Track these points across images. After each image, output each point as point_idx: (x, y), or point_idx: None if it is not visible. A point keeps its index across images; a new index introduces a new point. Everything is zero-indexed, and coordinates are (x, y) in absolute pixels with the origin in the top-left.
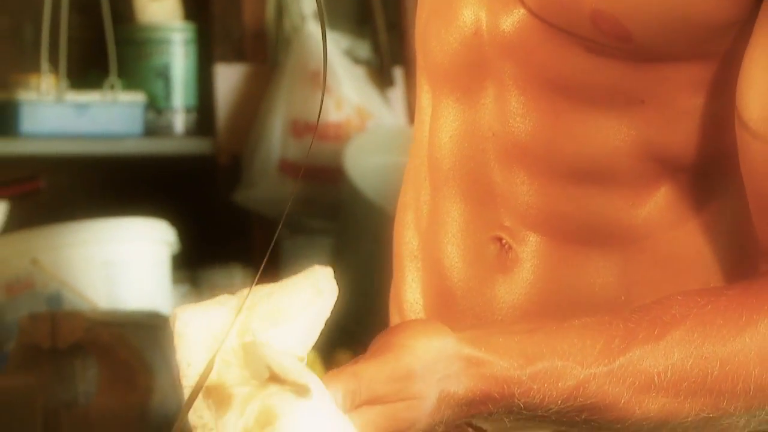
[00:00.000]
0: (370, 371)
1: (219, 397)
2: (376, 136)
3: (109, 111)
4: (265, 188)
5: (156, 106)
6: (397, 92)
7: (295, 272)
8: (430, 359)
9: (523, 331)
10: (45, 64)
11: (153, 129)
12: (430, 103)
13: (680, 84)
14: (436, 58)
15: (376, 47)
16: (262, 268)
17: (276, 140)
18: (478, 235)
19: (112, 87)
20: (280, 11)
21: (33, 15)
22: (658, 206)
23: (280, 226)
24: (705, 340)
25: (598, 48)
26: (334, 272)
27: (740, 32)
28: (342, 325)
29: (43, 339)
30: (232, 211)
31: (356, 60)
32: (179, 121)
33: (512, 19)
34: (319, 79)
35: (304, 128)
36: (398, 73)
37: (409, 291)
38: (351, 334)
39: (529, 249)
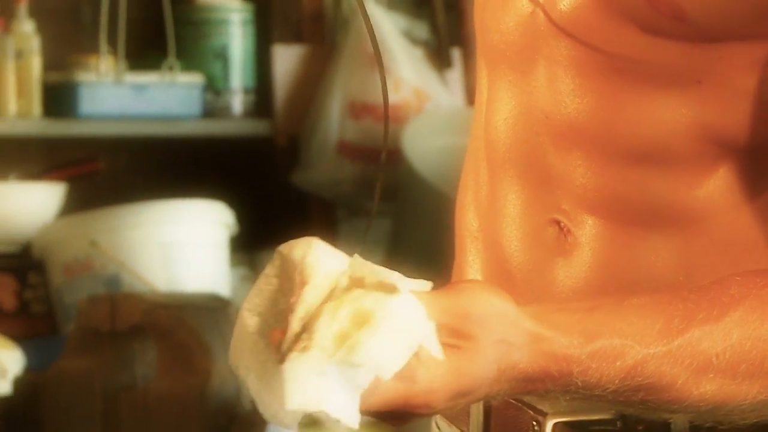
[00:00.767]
0: (430, 298)
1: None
2: (434, 117)
3: (168, 92)
4: (323, 170)
5: (214, 87)
6: (455, 73)
7: (352, 254)
8: (488, 312)
9: (582, 309)
10: (104, 45)
11: (211, 110)
12: (486, 85)
13: (738, 64)
14: (492, 39)
15: (434, 28)
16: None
17: (334, 122)
18: (536, 218)
19: (170, 68)
20: None
21: None
22: (717, 188)
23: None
24: (764, 322)
25: (655, 28)
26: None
27: None
28: None
29: (101, 321)
30: (290, 193)
31: (414, 41)
32: (237, 102)
33: (569, 0)
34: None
35: (362, 110)
36: (456, 54)
37: (471, 271)
38: None
39: (588, 232)
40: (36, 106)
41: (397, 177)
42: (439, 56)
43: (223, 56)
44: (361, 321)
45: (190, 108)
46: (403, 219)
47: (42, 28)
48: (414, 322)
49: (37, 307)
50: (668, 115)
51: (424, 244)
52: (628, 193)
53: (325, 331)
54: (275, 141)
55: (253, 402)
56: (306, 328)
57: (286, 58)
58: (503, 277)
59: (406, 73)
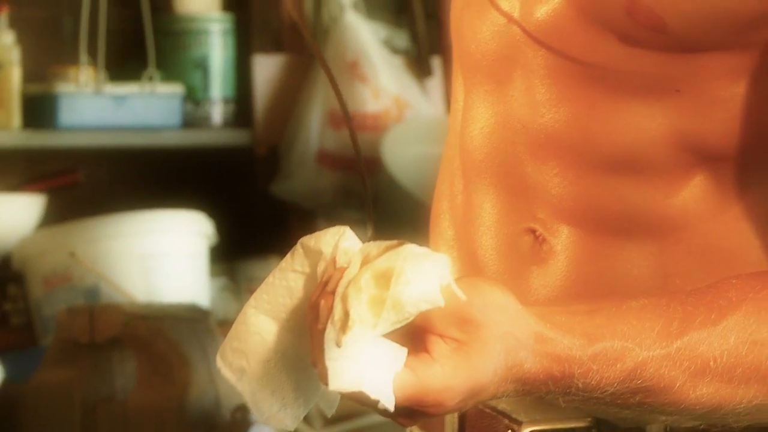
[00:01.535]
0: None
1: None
2: (414, 126)
3: (148, 103)
4: (303, 179)
5: (194, 97)
6: (435, 82)
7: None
8: (492, 303)
9: (583, 311)
10: (83, 56)
11: (191, 120)
12: (462, 94)
13: (717, 73)
14: (468, 48)
15: (414, 37)
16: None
17: (314, 131)
18: (511, 227)
19: (150, 78)
20: (318, 1)
21: (71, 7)
22: (694, 196)
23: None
24: (760, 326)
25: (633, 38)
26: None
27: None
28: None
29: (80, 333)
30: (270, 203)
31: (394, 50)
32: (217, 112)
33: (547, 8)
34: (358, 70)
35: (342, 119)
36: (436, 62)
37: None
38: None
39: (564, 241)
40: (15, 117)
41: (377, 185)
42: (419, 65)
43: (203, 66)
44: (386, 281)
45: (170, 118)
46: (384, 227)
47: (22, 39)
48: (430, 256)
49: (16, 318)
50: (645, 123)
51: None
52: (604, 201)
53: (357, 306)
54: (255, 151)
55: (232, 413)
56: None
57: (266, 68)
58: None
59: (387, 81)
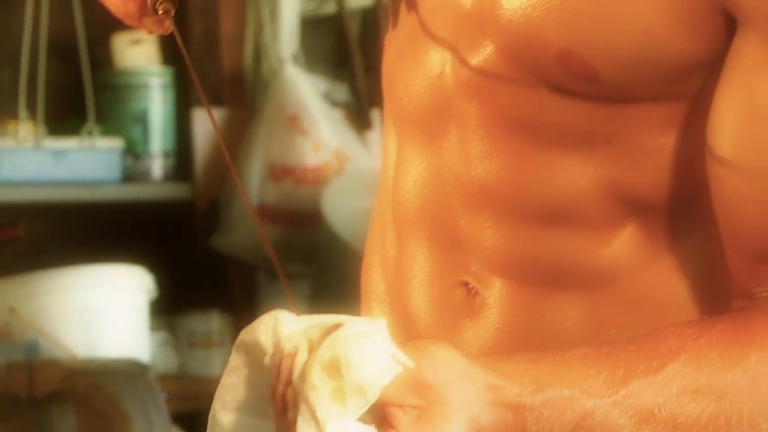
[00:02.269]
0: None
1: None
2: (355, 179)
3: (87, 157)
4: (243, 233)
5: (134, 151)
6: (376, 135)
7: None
8: (440, 362)
9: (527, 360)
10: (23, 111)
11: (131, 174)
12: (395, 148)
13: (648, 124)
14: (401, 102)
15: (354, 90)
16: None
17: (254, 185)
18: (444, 280)
19: (90, 133)
20: (258, 55)
21: (10, 61)
22: (625, 247)
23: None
24: (700, 374)
25: (566, 89)
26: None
27: (709, 73)
28: None
29: (19, 388)
30: (210, 257)
31: (334, 103)
32: (157, 166)
33: (478, 59)
34: (298, 124)
35: (282, 172)
36: (376, 115)
37: None
38: None
39: (496, 293)
40: None
41: (318, 239)
42: (359, 118)
43: (142, 120)
44: (336, 370)
45: (109, 173)
46: (324, 281)
47: None
48: (368, 335)
49: None
50: (576, 175)
51: (345, 305)
52: (536, 253)
53: (321, 404)
54: (195, 205)
55: None
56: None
57: (206, 122)
58: (411, 339)
59: (327, 134)
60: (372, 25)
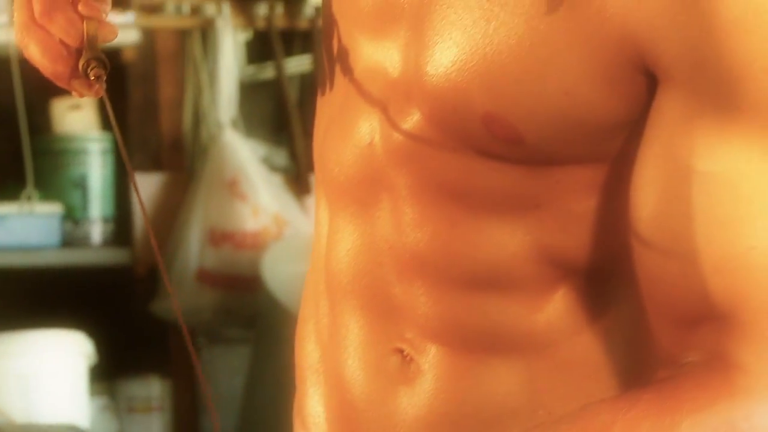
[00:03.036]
0: None
1: None
2: (294, 244)
3: (26, 222)
4: (182, 298)
5: (73, 216)
6: (314, 200)
7: (213, 381)
8: None
9: None
10: None
11: (70, 240)
12: (327, 217)
13: (574, 186)
14: (332, 172)
15: (292, 155)
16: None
17: (193, 249)
18: (379, 348)
19: (29, 198)
20: (197, 120)
21: None
22: (558, 311)
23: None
24: None
25: (491, 152)
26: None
27: (631, 133)
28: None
29: None
30: (149, 322)
31: (273, 168)
32: (96, 231)
33: (406, 127)
34: (237, 189)
35: (221, 237)
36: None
37: (312, 404)
38: None
39: (431, 360)
40: None
41: (257, 303)
42: (298, 182)
43: (81, 185)
44: None
45: (49, 238)
46: (264, 345)
47: None
48: None
49: None
50: (506, 239)
51: (284, 370)
52: (469, 319)
53: None
54: (135, 270)
55: None
56: None
57: (145, 187)
58: (346, 408)
59: (266, 200)
60: (311, 91)
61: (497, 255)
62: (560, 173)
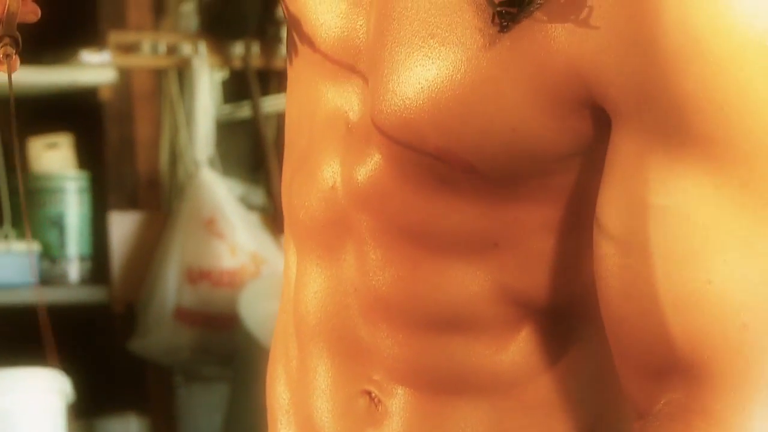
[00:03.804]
0: None
1: None
2: (271, 282)
3: (3, 260)
4: (160, 336)
5: (50, 254)
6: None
7: (191, 419)
8: None
9: None
10: None
11: (47, 278)
12: (294, 261)
13: (531, 226)
14: (298, 215)
15: (270, 193)
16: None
17: (171, 288)
18: (346, 390)
19: (5, 236)
20: (174, 159)
21: None
22: (522, 351)
23: None
24: None
25: (451, 181)
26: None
27: (583, 168)
28: None
29: None
30: (127, 360)
31: (251, 206)
32: (74, 269)
33: (365, 170)
34: (214, 227)
35: (198, 275)
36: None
37: None
38: None
39: (398, 402)
40: None
41: (235, 341)
42: (275, 221)
43: (59, 224)
44: None
45: (26, 276)
46: (241, 383)
47: None
48: None
49: None
50: (468, 279)
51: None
52: (434, 361)
53: None
54: (112, 308)
55: None
56: None
57: (122, 225)
58: None
59: (243, 238)
60: None
61: (459, 296)
62: (517, 211)
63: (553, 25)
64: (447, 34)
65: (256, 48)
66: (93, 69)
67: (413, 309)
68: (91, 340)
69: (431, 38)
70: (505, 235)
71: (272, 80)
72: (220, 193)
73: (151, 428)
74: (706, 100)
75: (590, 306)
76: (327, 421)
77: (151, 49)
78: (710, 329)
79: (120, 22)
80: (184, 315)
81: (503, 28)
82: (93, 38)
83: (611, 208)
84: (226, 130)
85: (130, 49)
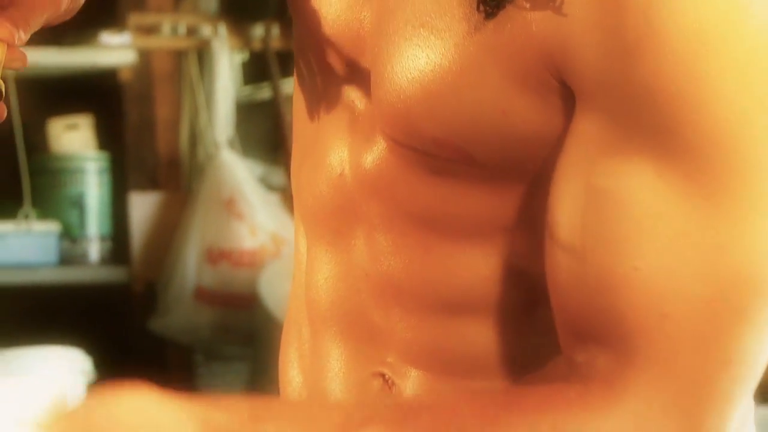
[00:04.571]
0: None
1: None
2: (292, 262)
3: (24, 241)
4: (180, 316)
5: (71, 235)
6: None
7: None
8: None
9: (252, 399)
10: None
11: (68, 258)
12: (305, 245)
13: (540, 209)
14: (307, 202)
15: (289, 174)
16: None
17: (191, 268)
18: (360, 372)
19: (26, 217)
20: (194, 140)
21: None
22: (534, 333)
23: None
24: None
25: (451, 173)
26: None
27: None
28: None
29: None
30: (147, 339)
31: (270, 187)
32: (94, 249)
33: (372, 157)
34: (234, 208)
35: (218, 255)
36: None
37: None
38: None
39: (412, 383)
40: None
41: (255, 321)
42: None
43: (79, 204)
44: None
45: (46, 256)
46: (261, 362)
47: None
48: None
49: None
50: (479, 263)
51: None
52: (448, 344)
53: None
54: (132, 288)
55: None
56: None
57: (142, 205)
58: None
59: (263, 218)
60: None
61: (471, 279)
62: (523, 195)
63: (533, 12)
64: (436, 22)
65: (276, 29)
66: (113, 50)
67: (425, 293)
68: (111, 319)
69: (422, 27)
70: (515, 219)
71: (292, 62)
72: (239, 173)
73: None
74: (659, 89)
75: None
76: None
77: (171, 31)
78: (631, 314)
79: (140, 3)
80: (204, 295)
81: (488, 15)
82: (113, 20)
83: (560, 187)
84: (245, 111)
85: (150, 30)
